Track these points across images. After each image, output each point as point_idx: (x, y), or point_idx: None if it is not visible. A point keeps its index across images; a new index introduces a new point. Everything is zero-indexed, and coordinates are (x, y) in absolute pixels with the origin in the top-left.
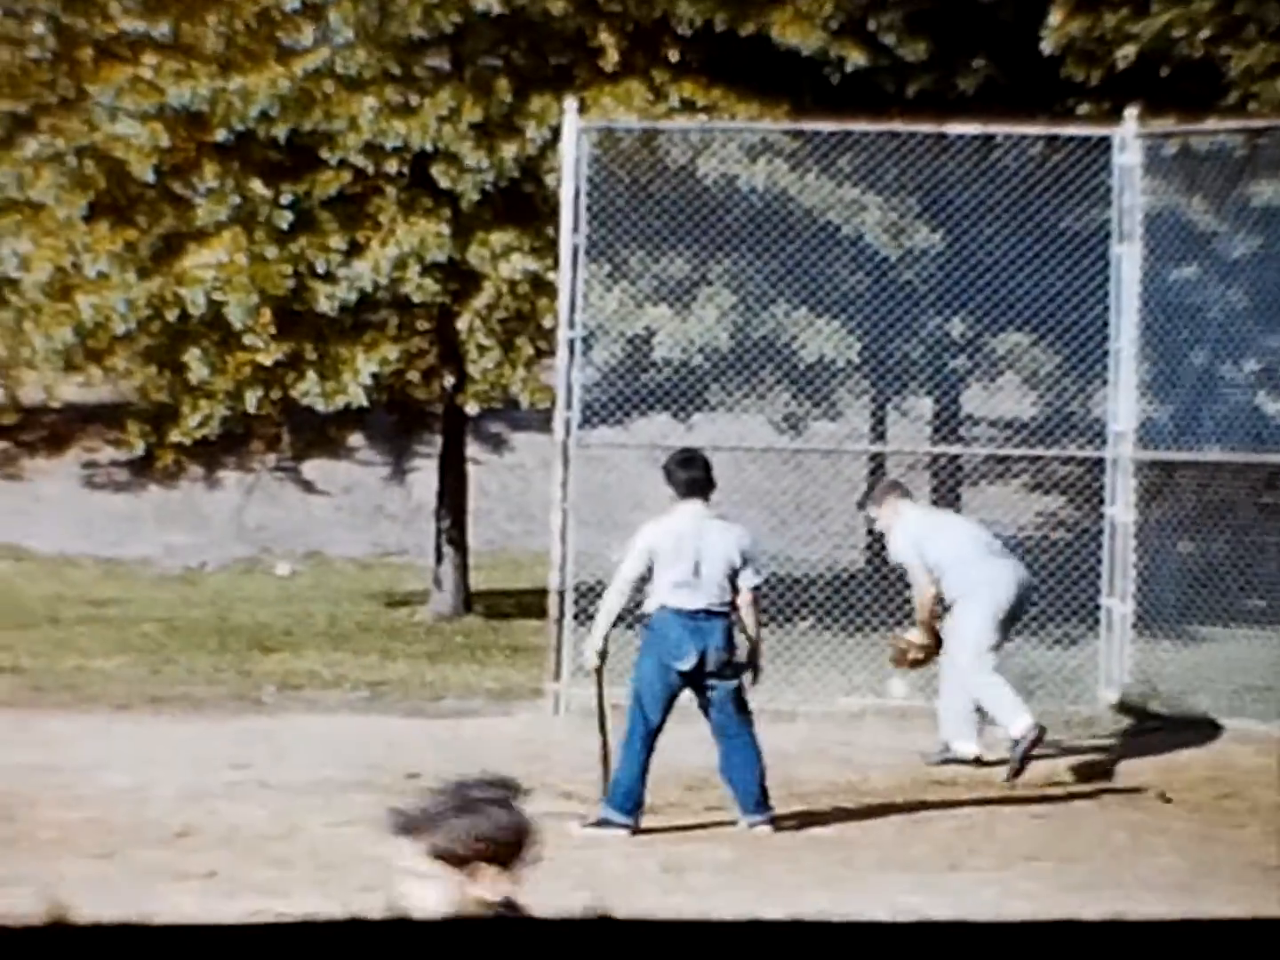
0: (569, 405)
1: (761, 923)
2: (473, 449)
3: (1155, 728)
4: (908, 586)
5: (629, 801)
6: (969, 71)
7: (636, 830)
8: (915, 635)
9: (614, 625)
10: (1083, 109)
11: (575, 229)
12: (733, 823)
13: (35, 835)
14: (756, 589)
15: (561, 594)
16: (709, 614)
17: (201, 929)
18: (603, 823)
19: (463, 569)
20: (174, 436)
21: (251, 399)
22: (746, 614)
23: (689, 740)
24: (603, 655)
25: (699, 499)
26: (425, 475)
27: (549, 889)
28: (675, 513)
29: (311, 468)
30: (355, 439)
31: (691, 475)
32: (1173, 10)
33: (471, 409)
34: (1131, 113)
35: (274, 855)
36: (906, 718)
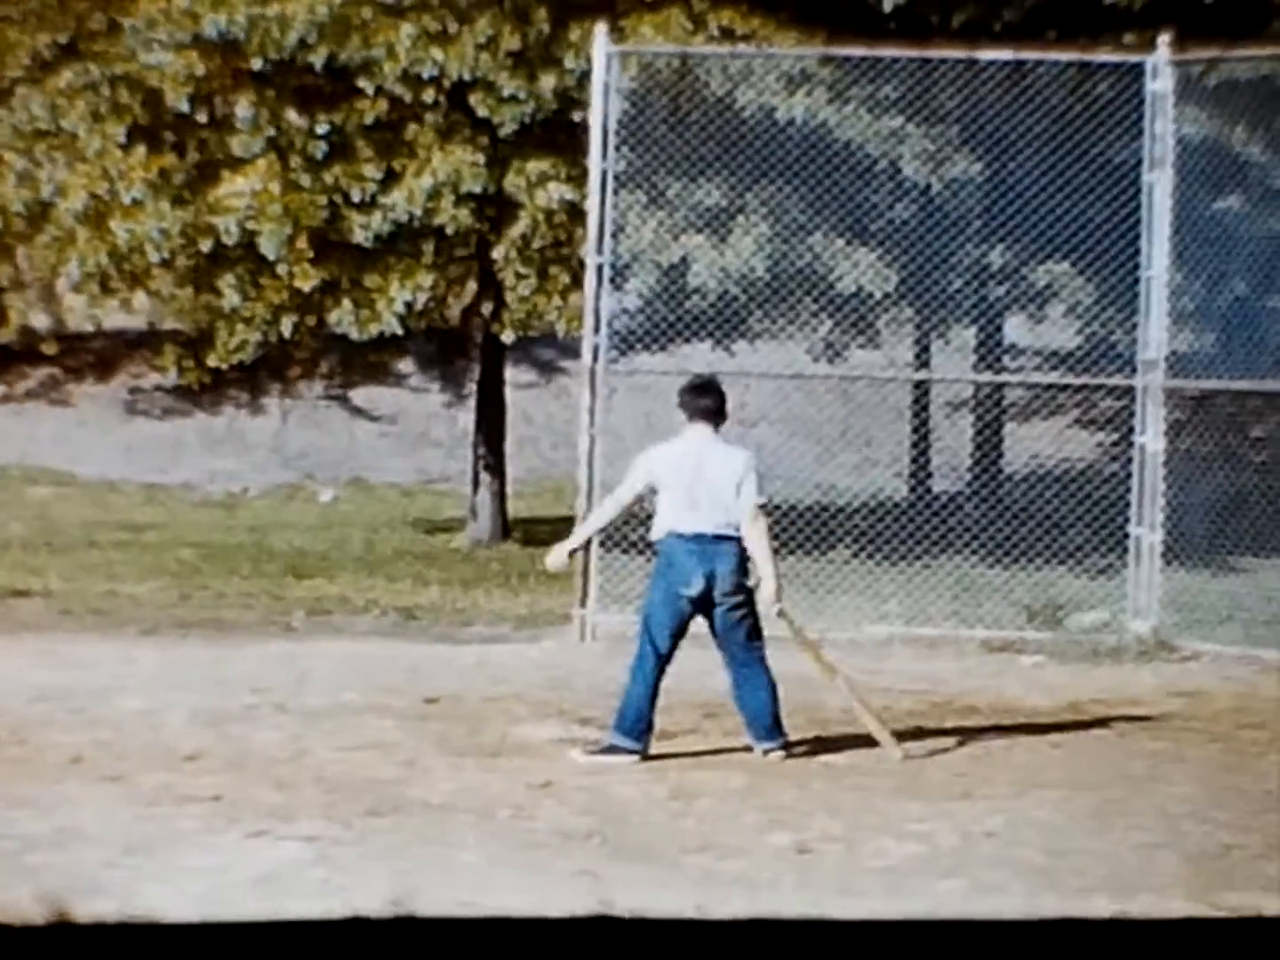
0: (596, 330)
1: (761, 922)
2: (522, 375)
3: (1182, 657)
4: (951, 515)
5: (638, 728)
6: (1014, 1)
7: (646, 756)
8: None
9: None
10: (1127, 38)
11: (605, 155)
12: (748, 749)
13: (44, 758)
14: (762, 508)
15: None
16: (716, 538)
17: (201, 928)
18: (610, 749)
19: (500, 496)
20: (210, 361)
21: (287, 325)
22: (749, 533)
23: (711, 665)
24: (571, 555)
25: (707, 424)
26: (473, 403)
27: (556, 813)
28: (681, 436)
29: (360, 394)
30: (405, 366)
31: (701, 402)
32: None
33: (508, 337)
34: (1164, 39)
35: (281, 779)
36: (934, 646)
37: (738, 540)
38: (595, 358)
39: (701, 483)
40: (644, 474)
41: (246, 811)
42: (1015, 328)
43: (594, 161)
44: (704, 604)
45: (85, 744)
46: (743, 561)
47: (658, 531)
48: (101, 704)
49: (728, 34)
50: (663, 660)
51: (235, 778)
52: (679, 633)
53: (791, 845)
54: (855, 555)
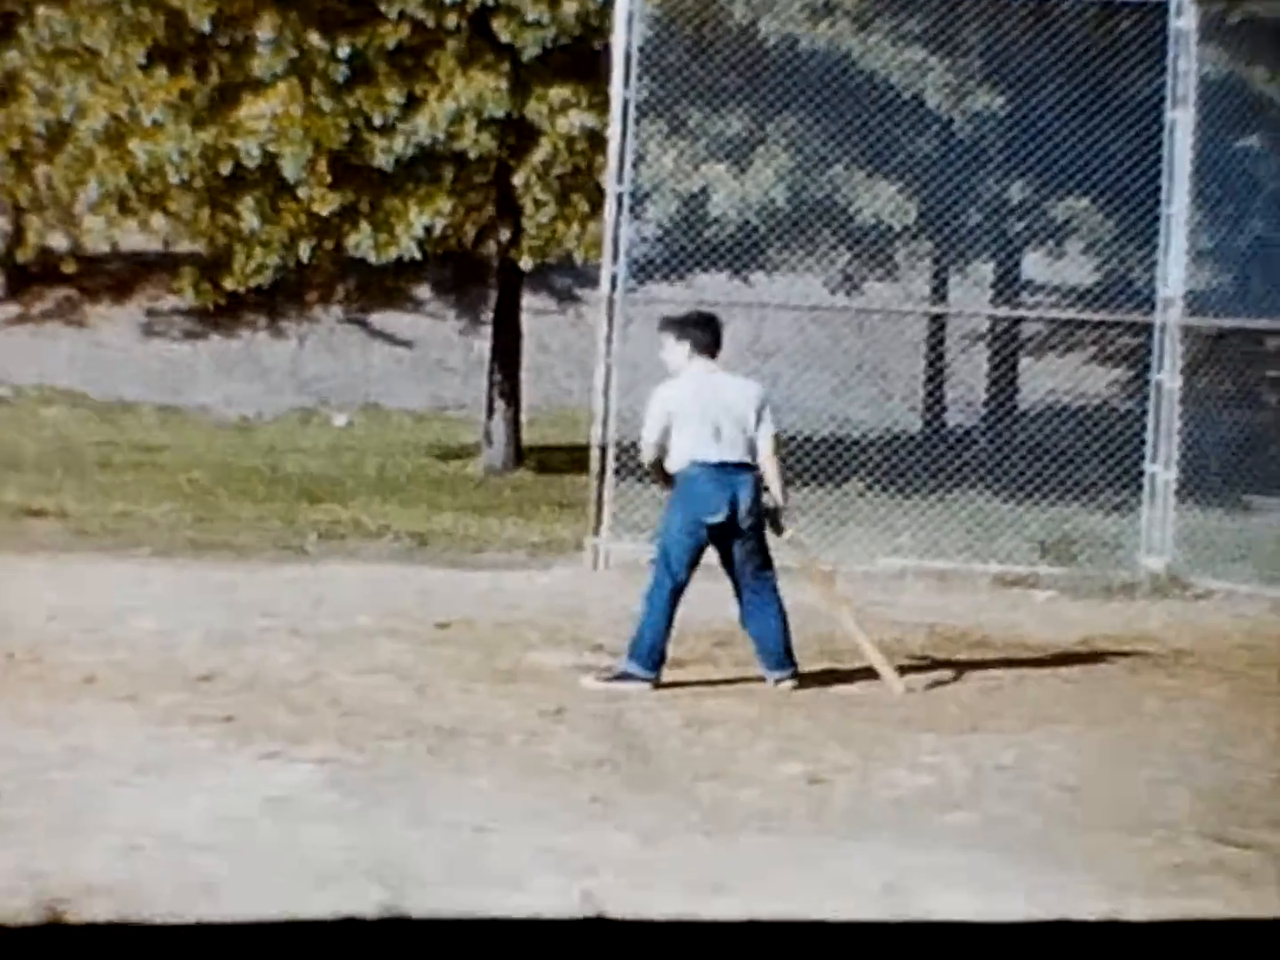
0: (614, 259)
1: (761, 923)
2: (539, 303)
3: (1195, 595)
4: (965, 450)
5: (652, 656)
6: None
7: (658, 684)
8: None
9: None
10: None
11: (626, 84)
12: (761, 679)
13: (58, 677)
14: (775, 438)
15: (603, 449)
16: (738, 466)
17: (201, 929)
18: (624, 676)
19: (515, 423)
20: (227, 284)
21: (305, 248)
22: (766, 464)
23: (724, 595)
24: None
25: (708, 357)
26: (489, 330)
27: (569, 740)
28: (688, 372)
29: (377, 320)
30: (422, 292)
31: (705, 336)
32: None
33: (526, 264)
34: None
35: (293, 701)
36: (947, 580)
37: (755, 469)
38: (613, 286)
39: (723, 413)
40: (663, 415)
41: (259, 733)
42: (1033, 263)
43: (615, 89)
44: (722, 532)
45: (99, 664)
46: (759, 490)
47: (678, 462)
48: (115, 624)
49: None
50: (679, 589)
51: (248, 699)
52: (695, 561)
53: (803, 775)
54: (869, 488)
